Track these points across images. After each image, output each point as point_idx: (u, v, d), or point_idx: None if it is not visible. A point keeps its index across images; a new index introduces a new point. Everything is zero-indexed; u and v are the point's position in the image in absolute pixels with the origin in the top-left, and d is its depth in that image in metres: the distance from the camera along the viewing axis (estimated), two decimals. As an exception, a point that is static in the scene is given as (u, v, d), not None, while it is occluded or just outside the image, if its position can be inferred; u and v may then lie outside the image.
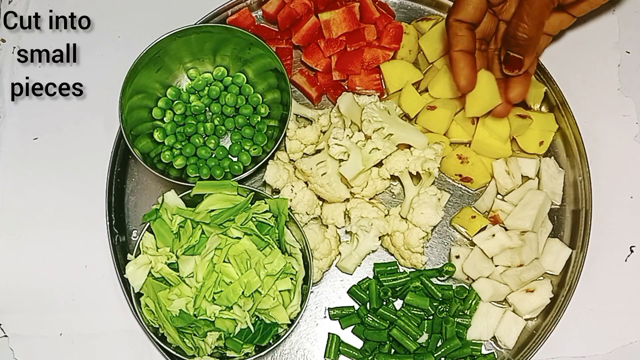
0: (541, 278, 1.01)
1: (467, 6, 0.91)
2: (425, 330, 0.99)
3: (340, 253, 1.02)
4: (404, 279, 1.00)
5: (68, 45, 1.13)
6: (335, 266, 1.03)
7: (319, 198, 1.02)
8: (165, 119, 1.05)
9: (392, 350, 0.99)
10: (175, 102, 1.06)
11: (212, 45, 1.03)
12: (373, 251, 1.01)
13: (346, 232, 1.03)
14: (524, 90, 0.93)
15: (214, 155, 1.05)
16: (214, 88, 1.05)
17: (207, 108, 1.06)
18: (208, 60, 1.06)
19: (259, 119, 1.05)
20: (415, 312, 0.99)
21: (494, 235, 1.00)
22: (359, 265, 1.02)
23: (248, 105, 1.05)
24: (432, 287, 0.98)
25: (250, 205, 0.96)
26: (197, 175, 1.03)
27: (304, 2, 1.07)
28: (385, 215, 1.01)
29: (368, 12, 1.08)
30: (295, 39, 1.07)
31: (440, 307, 0.98)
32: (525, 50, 0.89)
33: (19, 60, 1.11)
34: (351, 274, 1.02)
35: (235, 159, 1.04)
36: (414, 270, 1.01)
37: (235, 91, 1.05)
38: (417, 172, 1.00)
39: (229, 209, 0.96)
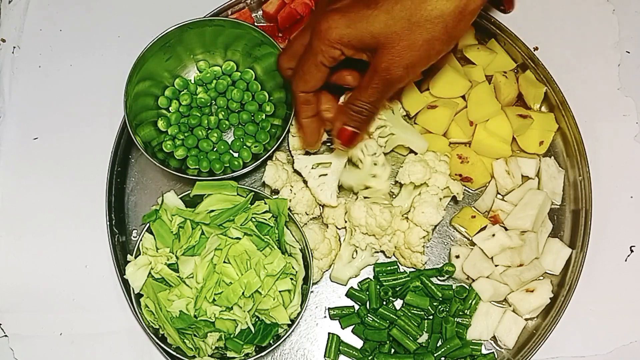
0: (541, 278, 1.01)
1: (310, 80, 0.87)
2: (425, 330, 0.99)
3: (340, 255, 1.01)
4: (404, 279, 1.00)
5: (68, 44, 1.13)
6: (329, 278, 1.02)
7: (319, 198, 1.02)
8: (170, 108, 1.05)
9: (392, 350, 0.99)
10: (182, 92, 1.06)
11: (224, 40, 1.03)
12: (370, 264, 1.02)
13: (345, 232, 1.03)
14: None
15: (215, 149, 1.05)
16: (222, 82, 1.05)
17: (213, 101, 1.06)
18: (219, 53, 1.06)
19: (264, 116, 1.05)
20: (415, 312, 0.99)
21: (494, 235, 1.00)
22: (357, 276, 1.02)
23: (254, 102, 1.05)
24: (432, 287, 0.98)
25: (250, 205, 0.96)
26: (197, 167, 1.03)
27: (305, 2, 1.07)
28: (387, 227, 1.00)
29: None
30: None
31: (440, 307, 0.98)
32: (366, 124, 0.87)
33: (19, 60, 1.12)
34: (345, 285, 1.02)
35: (236, 155, 1.04)
36: (414, 270, 1.01)
37: (243, 87, 1.05)
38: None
39: (229, 209, 0.96)
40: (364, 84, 0.83)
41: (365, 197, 1.00)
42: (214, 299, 0.91)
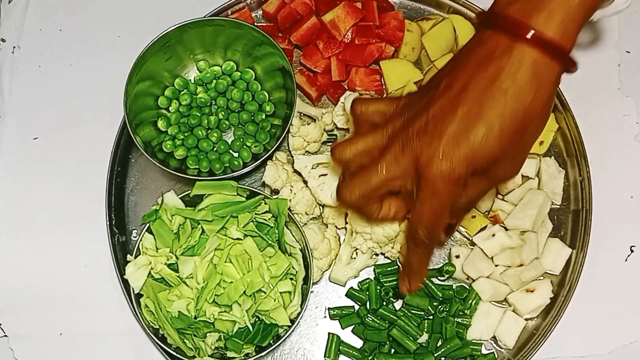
0: (541, 278, 1.01)
1: (442, 224, 0.80)
2: (425, 330, 0.99)
3: (339, 256, 1.01)
4: (404, 279, 1.00)
5: (68, 44, 1.13)
6: (328, 278, 1.02)
7: (319, 198, 1.02)
8: (170, 108, 1.05)
9: (392, 350, 0.99)
10: (182, 92, 1.06)
11: (224, 40, 1.03)
12: (370, 266, 1.02)
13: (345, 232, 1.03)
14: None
15: (215, 149, 1.05)
16: (222, 82, 1.05)
17: (213, 101, 1.06)
18: (219, 53, 1.06)
19: (264, 116, 1.05)
20: (415, 312, 0.99)
21: (494, 235, 1.00)
22: (356, 277, 1.02)
23: (254, 102, 1.05)
24: (433, 287, 0.98)
25: (256, 206, 0.96)
26: (197, 167, 1.03)
27: (305, 2, 1.07)
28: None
29: (369, 8, 1.08)
30: (293, 38, 1.07)
31: (440, 307, 0.98)
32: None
33: (19, 60, 1.11)
34: (343, 286, 1.02)
35: (236, 155, 1.05)
36: (414, 270, 1.01)
37: (243, 87, 1.05)
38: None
39: (234, 203, 0.95)
40: (480, 193, 0.81)
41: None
42: (214, 299, 0.91)
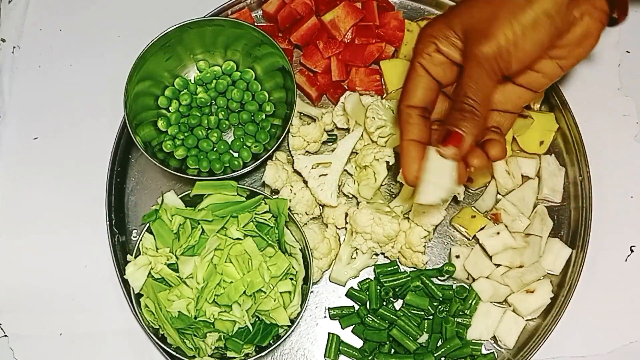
0: (541, 278, 1.01)
1: (416, 89, 0.83)
2: (425, 330, 0.99)
3: (339, 256, 1.01)
4: (404, 279, 0.99)
5: (68, 44, 1.13)
6: (328, 278, 1.02)
7: (319, 198, 1.02)
8: (170, 108, 1.05)
9: (392, 350, 0.99)
10: (182, 92, 1.06)
11: (224, 39, 1.04)
12: (370, 266, 1.02)
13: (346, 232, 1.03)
14: (502, 150, 0.85)
15: (215, 149, 1.05)
16: (222, 82, 1.05)
17: (213, 101, 1.06)
18: (219, 53, 1.06)
19: (264, 116, 1.05)
20: (415, 312, 0.99)
21: (498, 233, 0.99)
22: (356, 277, 1.02)
23: (254, 102, 1.05)
24: (433, 287, 0.98)
25: (255, 206, 0.96)
26: (197, 167, 1.03)
27: (305, 2, 1.07)
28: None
29: (369, 8, 1.08)
30: (294, 38, 1.07)
31: (440, 307, 0.98)
32: (469, 124, 0.79)
33: (19, 60, 1.12)
34: (343, 286, 1.02)
35: (236, 155, 1.05)
36: (414, 269, 1.01)
37: (243, 87, 1.05)
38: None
39: (234, 203, 0.95)
40: (463, 77, 0.80)
41: (368, 203, 1.00)
42: (214, 299, 0.91)
